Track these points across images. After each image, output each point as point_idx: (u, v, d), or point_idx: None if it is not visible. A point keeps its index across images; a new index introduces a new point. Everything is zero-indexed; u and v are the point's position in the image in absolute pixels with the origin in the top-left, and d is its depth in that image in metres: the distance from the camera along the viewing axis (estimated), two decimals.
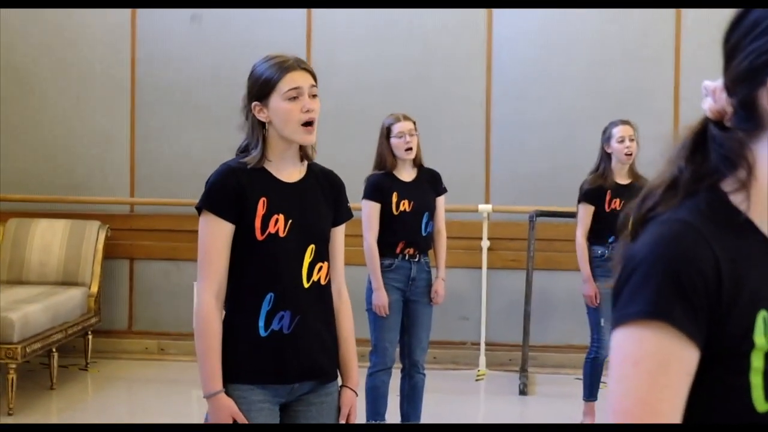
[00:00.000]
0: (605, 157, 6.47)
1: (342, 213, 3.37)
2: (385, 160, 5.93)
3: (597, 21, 8.15)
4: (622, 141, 6.37)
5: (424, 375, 6.06)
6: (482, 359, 8.07)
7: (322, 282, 3.25)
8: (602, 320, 6.44)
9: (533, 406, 7.28)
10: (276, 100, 3.20)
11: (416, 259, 5.92)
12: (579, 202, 6.51)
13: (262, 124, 3.25)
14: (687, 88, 8.09)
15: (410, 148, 5.92)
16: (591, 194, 6.44)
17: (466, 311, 8.24)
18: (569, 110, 8.21)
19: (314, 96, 3.22)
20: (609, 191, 6.41)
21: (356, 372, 3.37)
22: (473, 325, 8.19)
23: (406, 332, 5.94)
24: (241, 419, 3.13)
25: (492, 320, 8.14)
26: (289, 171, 3.28)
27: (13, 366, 6.58)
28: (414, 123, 5.99)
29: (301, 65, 3.22)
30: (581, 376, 6.66)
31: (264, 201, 3.20)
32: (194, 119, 8.38)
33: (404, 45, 8.26)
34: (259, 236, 3.19)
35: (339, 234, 3.36)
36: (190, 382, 7.75)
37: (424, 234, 5.93)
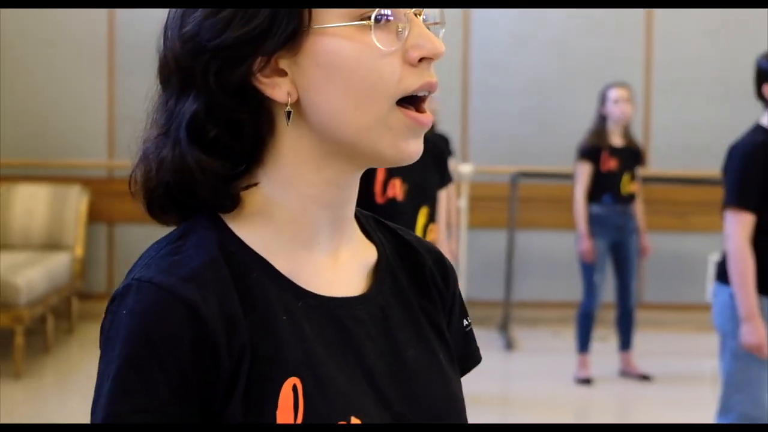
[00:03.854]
0: (601, 118, 6.71)
1: (445, 176, 3.50)
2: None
3: None
4: (617, 103, 6.61)
5: None
6: None
7: None
8: (595, 276, 6.69)
9: (521, 360, 7.53)
10: None
11: None
12: (576, 160, 6.75)
13: None
14: (658, 55, 8.36)
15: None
16: (588, 153, 6.67)
17: None
18: (543, 77, 8.43)
19: None
20: (605, 151, 6.65)
21: None
22: None
23: None
24: None
25: (470, 278, 8.35)
26: None
27: (21, 330, 6.60)
28: None
29: None
30: (558, 332, 6.93)
31: None
32: None
33: None
34: (379, 200, 3.27)
35: (443, 197, 3.50)
36: None
37: None
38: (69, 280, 7.66)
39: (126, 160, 8.29)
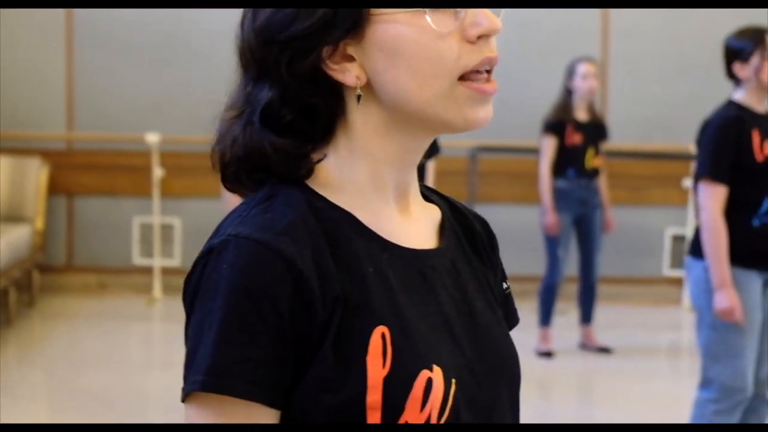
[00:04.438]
0: (567, 92, 6.77)
1: (433, 147, 3.56)
2: None
3: None
4: (585, 78, 6.67)
5: None
6: None
7: None
8: (559, 250, 6.78)
9: None
10: None
11: None
12: (542, 134, 6.80)
13: None
14: (615, 28, 8.44)
15: None
16: (553, 126, 6.73)
17: None
18: (501, 51, 8.45)
19: None
20: (569, 125, 6.72)
21: None
22: None
23: None
24: None
25: None
26: None
27: None
28: None
29: None
30: (518, 305, 6.98)
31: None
32: (132, 56, 8.34)
33: None
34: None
35: (430, 168, 3.58)
36: (134, 316, 7.87)
37: None
38: (30, 253, 7.63)
39: (85, 132, 8.30)
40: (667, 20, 8.32)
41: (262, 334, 1.18)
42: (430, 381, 1.22)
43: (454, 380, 1.25)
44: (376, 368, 1.20)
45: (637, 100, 8.41)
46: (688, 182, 8.08)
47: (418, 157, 1.34)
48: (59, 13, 8.29)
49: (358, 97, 1.27)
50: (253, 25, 1.29)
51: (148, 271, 8.35)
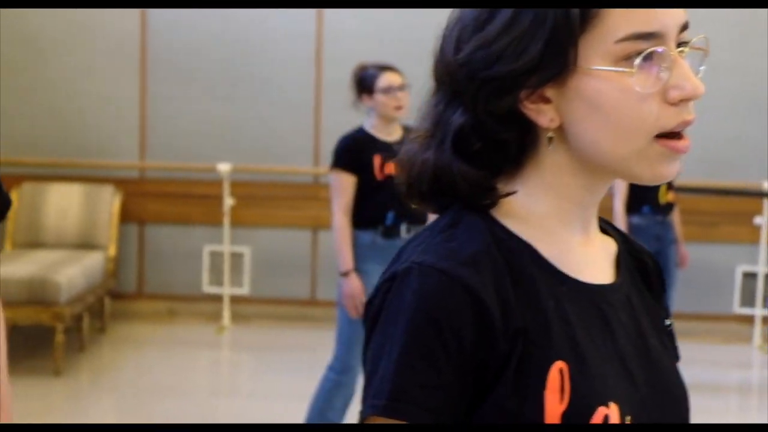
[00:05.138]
0: None
1: None
2: None
3: None
4: None
5: None
6: None
7: None
8: None
9: None
10: None
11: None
12: None
13: None
14: None
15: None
16: None
17: None
18: None
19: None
20: None
21: None
22: None
23: None
24: None
25: None
26: None
27: (61, 328, 6.65)
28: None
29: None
30: None
31: None
32: (204, 86, 8.44)
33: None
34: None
35: None
36: (204, 343, 7.92)
37: None
38: (102, 280, 7.71)
39: (157, 161, 8.40)
40: (738, 54, 8.27)
41: (443, 362, 1.20)
42: (606, 418, 1.23)
43: (629, 417, 1.26)
44: (554, 403, 1.22)
45: (708, 137, 8.35)
46: (759, 219, 8.02)
47: (600, 196, 1.35)
48: (134, 42, 8.42)
49: (550, 139, 1.29)
50: (454, 55, 1.29)
51: (217, 299, 8.41)
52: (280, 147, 8.39)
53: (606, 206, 6.93)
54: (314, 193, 8.44)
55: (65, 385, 6.66)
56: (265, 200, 8.43)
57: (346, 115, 8.42)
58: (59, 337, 6.67)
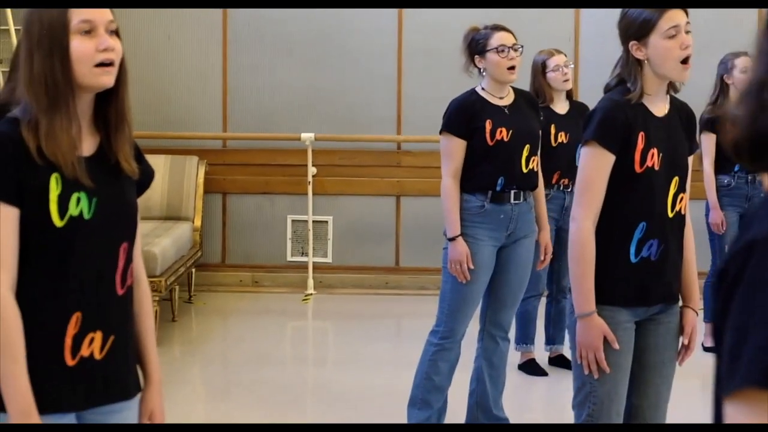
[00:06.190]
0: (723, 87, 6.63)
1: (693, 145, 3.53)
2: (544, 94, 6.10)
3: None
4: (744, 72, 6.50)
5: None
6: None
7: (683, 212, 3.42)
8: (725, 246, 6.69)
9: None
10: (656, 39, 3.25)
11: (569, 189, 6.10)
12: (701, 131, 6.64)
13: (639, 62, 3.31)
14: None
15: (567, 80, 6.13)
16: (712, 123, 6.56)
17: None
18: None
19: None
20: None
21: (697, 293, 3.56)
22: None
23: (555, 258, 5.84)
24: (611, 338, 3.32)
25: None
26: (659, 106, 3.39)
27: (156, 299, 6.70)
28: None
29: None
30: None
31: (642, 135, 3.33)
32: (287, 56, 8.46)
33: None
34: (637, 169, 3.33)
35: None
36: (289, 312, 7.98)
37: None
38: (189, 251, 7.77)
39: (240, 131, 8.43)
40: None
41: None
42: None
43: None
44: None
45: None
46: None
47: None
48: (217, 13, 8.44)
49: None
50: None
51: (301, 268, 8.46)
52: (362, 116, 8.39)
53: (696, 167, 6.86)
54: (397, 160, 8.45)
55: (161, 355, 6.70)
56: (347, 169, 8.45)
57: (428, 84, 8.41)
58: (155, 308, 6.73)
